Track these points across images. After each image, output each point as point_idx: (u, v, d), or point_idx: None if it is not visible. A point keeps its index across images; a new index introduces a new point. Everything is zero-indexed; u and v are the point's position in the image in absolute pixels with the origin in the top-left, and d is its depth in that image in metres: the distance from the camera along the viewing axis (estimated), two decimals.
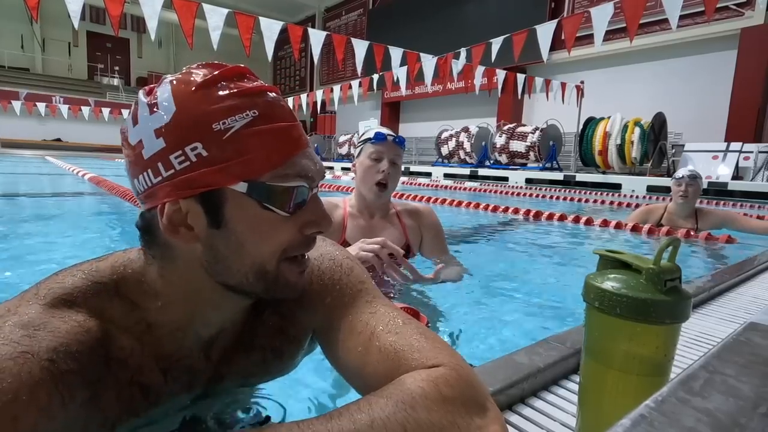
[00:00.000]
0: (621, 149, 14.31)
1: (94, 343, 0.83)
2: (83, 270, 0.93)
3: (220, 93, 0.84)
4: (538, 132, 16.77)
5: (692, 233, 4.97)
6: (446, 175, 18.04)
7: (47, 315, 0.82)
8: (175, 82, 0.85)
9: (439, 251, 2.96)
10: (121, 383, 0.88)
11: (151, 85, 0.88)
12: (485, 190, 11.96)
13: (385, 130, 2.71)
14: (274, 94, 0.89)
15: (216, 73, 0.85)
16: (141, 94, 0.87)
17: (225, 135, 0.82)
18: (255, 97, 0.86)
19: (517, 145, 17.24)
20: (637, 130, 13.91)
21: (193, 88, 0.84)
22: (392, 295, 2.48)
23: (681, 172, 5.08)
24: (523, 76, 14.63)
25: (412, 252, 2.90)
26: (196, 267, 0.90)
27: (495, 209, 6.96)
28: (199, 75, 0.85)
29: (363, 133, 2.79)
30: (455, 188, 12.36)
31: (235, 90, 0.85)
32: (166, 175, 0.83)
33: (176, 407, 1.02)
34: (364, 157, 2.70)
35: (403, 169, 2.88)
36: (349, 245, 2.86)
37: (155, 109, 0.84)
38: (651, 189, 12.31)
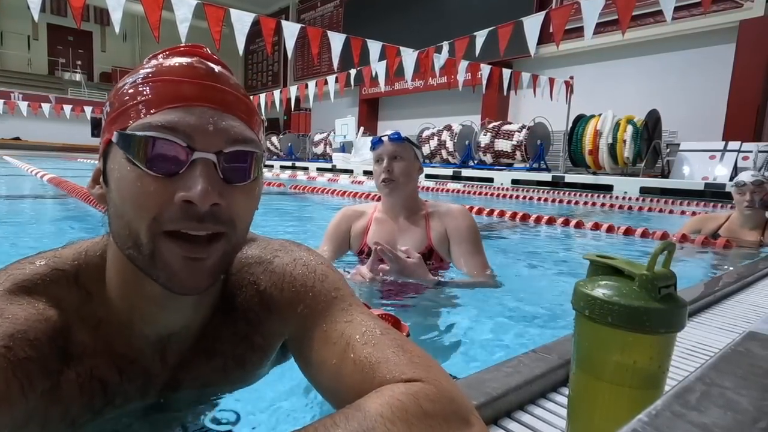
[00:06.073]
0: (612, 148, 14.39)
1: (52, 332, 0.84)
2: (46, 257, 0.95)
3: (148, 61, 0.92)
4: (524, 130, 16.85)
5: (734, 245, 4.57)
6: (427, 176, 17.91)
7: (5, 301, 0.84)
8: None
9: (466, 258, 2.89)
10: (83, 376, 0.89)
11: None
12: (469, 192, 12.01)
13: (385, 134, 2.95)
14: (196, 58, 0.91)
15: (169, 49, 0.93)
16: None
17: (120, 90, 0.88)
18: (167, 59, 0.90)
19: (503, 144, 17.32)
20: (630, 128, 14.01)
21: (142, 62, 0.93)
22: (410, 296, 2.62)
23: (743, 177, 4.65)
24: (509, 71, 14.73)
25: (436, 256, 2.94)
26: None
27: (479, 212, 6.95)
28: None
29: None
30: (437, 190, 12.31)
31: (159, 56, 0.92)
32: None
33: (133, 414, 1.02)
34: (373, 164, 2.96)
35: None
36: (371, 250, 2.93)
37: None
38: (644, 191, 12.41)
